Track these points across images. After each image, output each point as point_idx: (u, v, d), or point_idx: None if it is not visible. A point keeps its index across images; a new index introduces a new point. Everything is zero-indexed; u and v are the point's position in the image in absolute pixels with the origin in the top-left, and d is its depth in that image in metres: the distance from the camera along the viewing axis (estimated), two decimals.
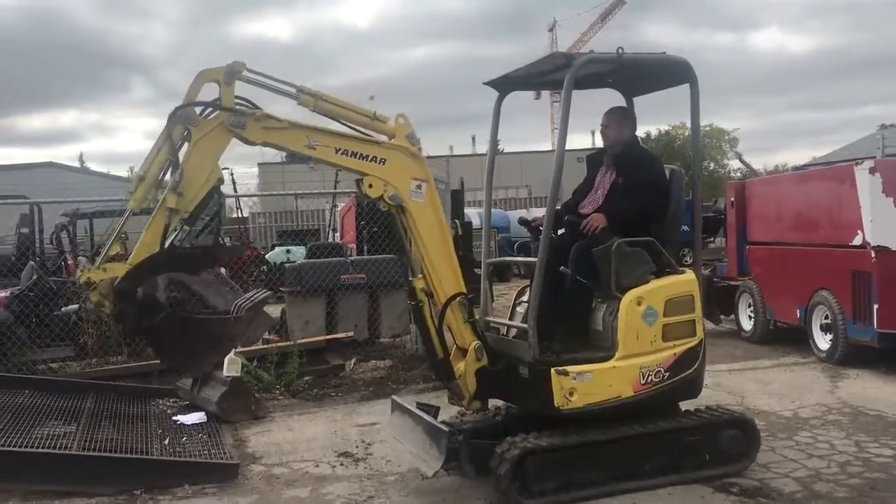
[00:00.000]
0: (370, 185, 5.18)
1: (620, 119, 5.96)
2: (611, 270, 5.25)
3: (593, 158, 6.15)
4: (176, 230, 4.88)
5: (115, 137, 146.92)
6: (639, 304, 5.23)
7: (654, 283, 5.36)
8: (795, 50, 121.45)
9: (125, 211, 5.09)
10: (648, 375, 5.24)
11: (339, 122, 5.25)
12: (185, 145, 4.90)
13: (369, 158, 5.17)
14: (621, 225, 5.46)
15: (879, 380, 8.34)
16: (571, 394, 5.04)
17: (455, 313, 5.35)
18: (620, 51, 5.28)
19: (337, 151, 5.13)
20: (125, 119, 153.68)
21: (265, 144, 5.16)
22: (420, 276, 5.39)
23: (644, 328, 5.24)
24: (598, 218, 5.49)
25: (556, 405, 5.05)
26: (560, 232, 5.86)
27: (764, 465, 5.62)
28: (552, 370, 5.04)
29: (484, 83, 6.00)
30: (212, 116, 4.92)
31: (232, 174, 29.91)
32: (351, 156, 5.14)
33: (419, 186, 5.28)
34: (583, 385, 5.08)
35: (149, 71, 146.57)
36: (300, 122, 5.15)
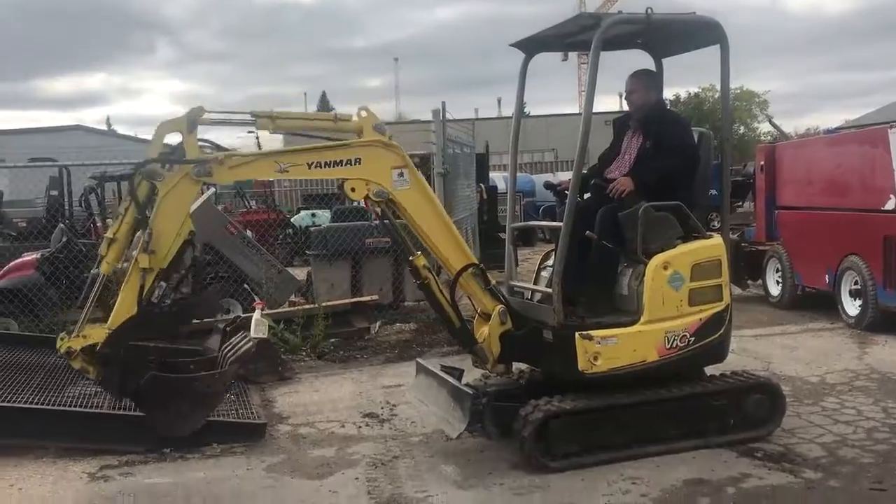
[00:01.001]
0: (353, 189, 5.15)
1: (646, 82, 5.88)
2: (637, 235, 5.22)
3: (620, 122, 6.08)
4: (154, 288, 4.88)
5: (140, 100, 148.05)
6: (665, 268, 5.21)
7: (681, 248, 5.33)
8: (831, 9, 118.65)
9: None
10: (674, 340, 5.23)
11: (303, 134, 5.34)
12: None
13: (343, 163, 5.09)
14: (649, 189, 5.41)
15: None
16: (596, 358, 5.04)
17: (471, 283, 5.39)
18: (649, 11, 5.18)
19: (310, 166, 5.09)
20: (150, 81, 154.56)
21: (236, 181, 5.48)
22: (418, 253, 5.39)
23: (670, 293, 5.22)
24: (626, 181, 5.44)
25: (580, 369, 5.06)
26: (586, 196, 5.83)
27: (789, 430, 5.60)
28: (576, 334, 5.05)
29: (510, 44, 5.92)
30: (176, 169, 4.88)
31: (257, 137, 30.08)
32: (325, 166, 5.08)
33: (401, 174, 5.21)
34: (607, 349, 5.08)
35: (173, 32, 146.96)
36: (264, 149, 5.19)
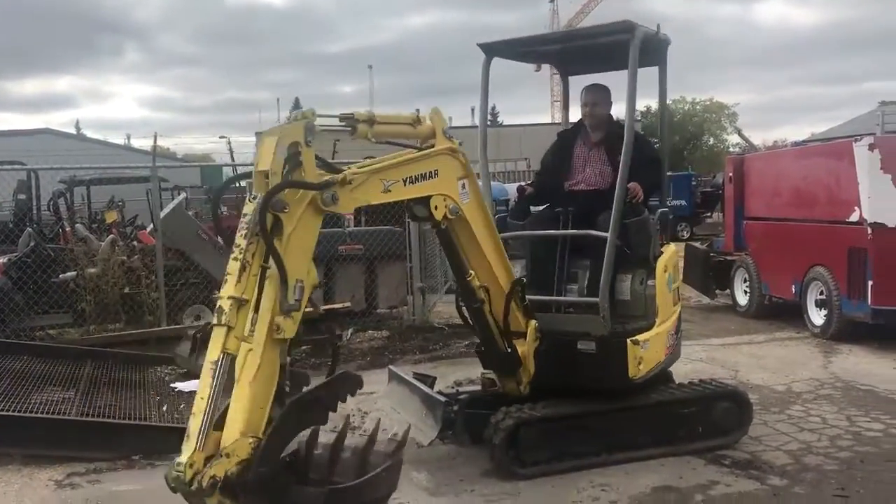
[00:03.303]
0: (436, 208, 4.42)
1: (607, 96, 5.93)
2: (648, 240, 5.38)
3: (570, 134, 6.07)
4: None
5: (108, 104, 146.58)
6: (665, 270, 5.42)
7: (668, 251, 5.59)
8: (799, 23, 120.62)
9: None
10: (669, 339, 5.47)
11: (391, 143, 4.47)
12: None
13: (426, 176, 4.33)
14: (644, 198, 5.60)
15: (872, 355, 8.41)
16: (640, 363, 5.14)
17: (514, 299, 5.00)
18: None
19: (405, 183, 4.21)
20: (118, 85, 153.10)
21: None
22: (471, 273, 4.82)
23: (667, 294, 5.48)
24: (638, 189, 5.45)
25: (630, 375, 5.11)
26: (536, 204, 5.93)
27: (756, 437, 5.69)
28: (628, 341, 5.09)
29: (477, 43, 5.91)
30: (297, 196, 3.54)
31: (229, 143, 29.94)
32: (414, 181, 4.25)
33: (463, 186, 4.61)
34: (646, 353, 5.19)
35: (142, 35, 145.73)
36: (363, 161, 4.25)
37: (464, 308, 5.04)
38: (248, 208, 3.42)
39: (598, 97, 5.88)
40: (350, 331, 9.61)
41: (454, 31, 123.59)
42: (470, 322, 5.07)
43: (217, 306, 3.31)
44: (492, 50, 5.94)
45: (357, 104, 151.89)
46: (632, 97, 5.31)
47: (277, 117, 75.86)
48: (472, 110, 67.24)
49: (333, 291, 10.29)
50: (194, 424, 3.17)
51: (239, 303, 3.30)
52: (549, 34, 5.55)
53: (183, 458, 3.10)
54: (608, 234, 5.11)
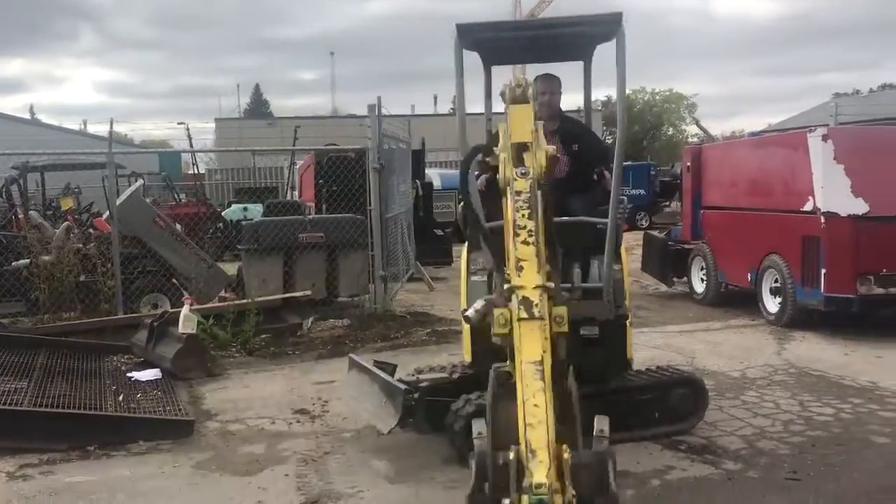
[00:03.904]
0: None
1: (559, 86, 5.97)
2: (616, 226, 5.41)
3: None
4: None
5: (62, 88, 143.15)
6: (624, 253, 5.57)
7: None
8: (758, 14, 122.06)
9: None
10: (629, 321, 5.56)
11: None
12: None
13: None
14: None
15: (824, 342, 8.60)
16: (632, 346, 5.34)
17: None
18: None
19: None
20: (73, 69, 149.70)
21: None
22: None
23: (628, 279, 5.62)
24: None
25: (628, 357, 5.34)
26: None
27: (712, 423, 5.78)
28: (627, 324, 5.28)
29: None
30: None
31: (188, 129, 29.53)
32: None
33: None
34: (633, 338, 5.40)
35: (97, 18, 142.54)
36: None
37: None
38: (522, 185, 3.11)
39: (554, 87, 5.92)
40: (310, 319, 9.56)
41: (417, 17, 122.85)
42: None
43: (520, 297, 2.95)
44: (471, 31, 5.51)
45: (318, 91, 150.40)
46: (622, 87, 5.24)
47: (238, 103, 75.17)
48: (435, 98, 67.06)
49: (294, 280, 10.24)
50: (538, 437, 2.65)
51: (546, 291, 3.00)
52: (533, 21, 5.50)
53: (539, 478, 2.52)
54: (608, 221, 5.16)
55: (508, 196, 3.21)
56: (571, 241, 5.29)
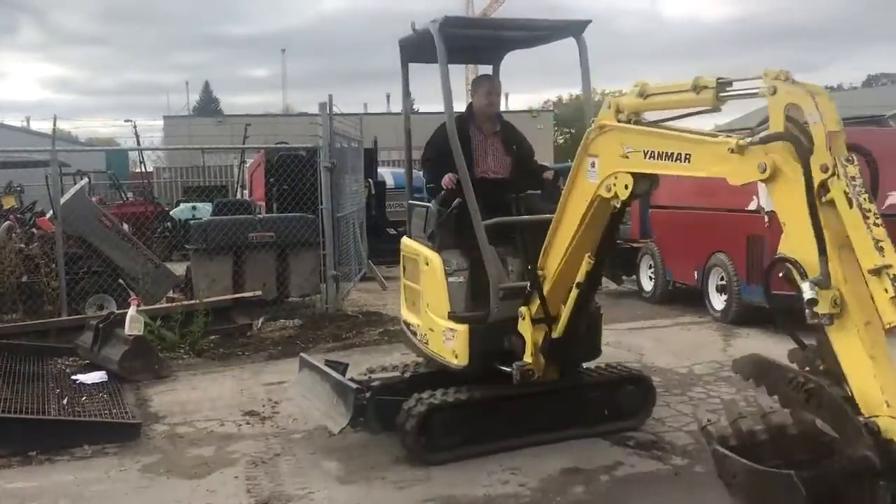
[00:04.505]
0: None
1: (499, 89, 6.11)
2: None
3: (461, 121, 5.83)
4: None
5: (4, 84, 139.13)
6: None
7: None
8: (707, 17, 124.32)
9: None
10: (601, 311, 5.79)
11: None
12: None
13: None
14: None
15: (768, 338, 8.77)
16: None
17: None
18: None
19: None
20: (15, 64, 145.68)
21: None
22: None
23: None
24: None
25: (600, 347, 5.61)
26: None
27: (660, 419, 5.88)
28: (601, 314, 5.51)
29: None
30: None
31: (135, 126, 29.02)
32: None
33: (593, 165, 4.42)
34: None
35: (39, 11, 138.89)
36: None
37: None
38: (853, 170, 3.13)
39: (498, 88, 6.03)
40: (261, 320, 9.47)
41: (369, 16, 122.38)
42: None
43: (892, 276, 2.97)
44: (450, 24, 5.35)
45: (268, 88, 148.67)
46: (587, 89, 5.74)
47: (187, 100, 73.99)
48: (388, 96, 66.80)
49: (244, 280, 10.12)
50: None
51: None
52: (507, 20, 5.54)
53: None
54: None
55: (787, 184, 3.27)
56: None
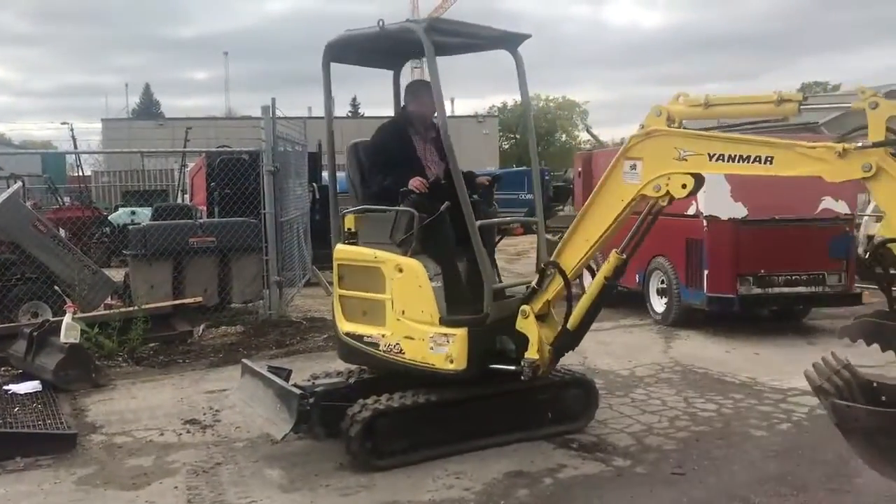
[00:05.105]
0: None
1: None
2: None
3: (401, 127, 5.98)
4: None
5: None
6: None
7: None
8: (647, 24, 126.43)
9: None
10: None
11: None
12: None
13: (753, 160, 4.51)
14: None
15: (707, 340, 8.98)
16: None
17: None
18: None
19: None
20: None
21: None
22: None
23: None
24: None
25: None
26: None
27: (602, 421, 5.95)
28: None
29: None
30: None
31: (71, 129, 28.25)
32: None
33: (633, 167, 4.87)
34: None
35: None
36: None
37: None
38: None
39: (429, 94, 5.96)
40: (202, 327, 9.31)
41: (313, 18, 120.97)
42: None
43: None
44: (433, 27, 5.36)
45: (211, 91, 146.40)
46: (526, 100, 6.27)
47: (126, 103, 72.40)
48: (333, 100, 66.58)
49: (184, 286, 9.94)
50: None
51: None
52: (467, 24, 5.50)
53: None
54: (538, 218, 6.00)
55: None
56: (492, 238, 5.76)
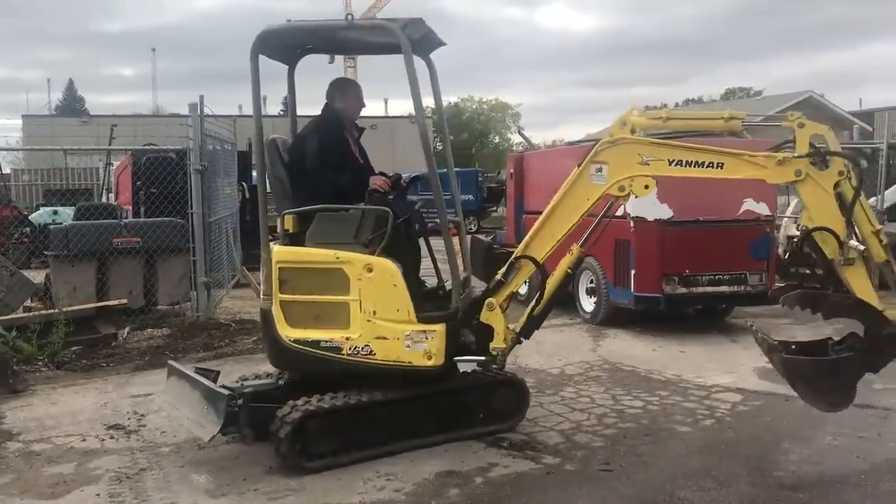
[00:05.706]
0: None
1: None
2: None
3: (337, 128, 5.91)
4: None
5: None
6: None
7: None
8: (578, 28, 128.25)
9: None
10: None
11: None
12: None
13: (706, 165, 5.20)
14: None
15: (634, 339, 9.17)
16: None
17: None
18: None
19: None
20: None
21: None
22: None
23: None
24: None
25: None
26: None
27: (532, 419, 6.01)
28: None
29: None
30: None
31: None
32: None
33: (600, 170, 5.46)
34: None
35: None
36: None
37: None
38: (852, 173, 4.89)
39: (360, 94, 6.07)
40: (126, 329, 9.07)
41: (244, 15, 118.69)
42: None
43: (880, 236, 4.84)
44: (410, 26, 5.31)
45: (137, 88, 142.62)
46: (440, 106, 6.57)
47: (48, 99, 70.09)
48: (265, 100, 65.65)
49: (108, 287, 9.67)
50: None
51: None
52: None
53: None
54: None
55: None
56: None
